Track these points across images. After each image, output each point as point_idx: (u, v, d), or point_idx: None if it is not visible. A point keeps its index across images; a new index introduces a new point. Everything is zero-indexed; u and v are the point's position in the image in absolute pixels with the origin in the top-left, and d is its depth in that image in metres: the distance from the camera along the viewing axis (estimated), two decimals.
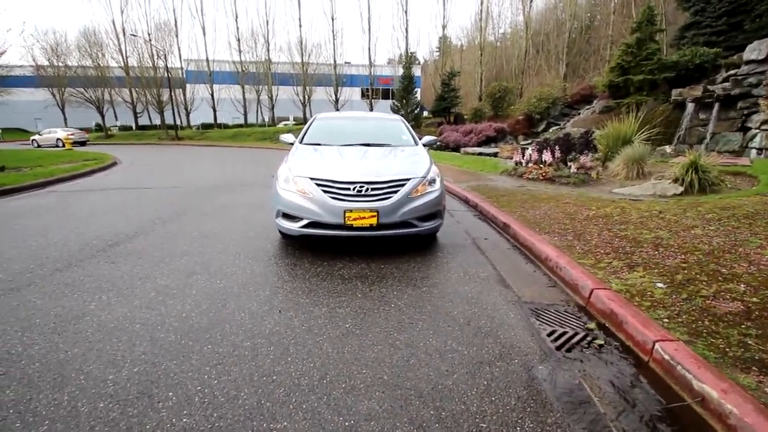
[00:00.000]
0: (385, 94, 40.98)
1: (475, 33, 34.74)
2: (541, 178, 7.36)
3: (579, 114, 22.57)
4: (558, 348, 2.32)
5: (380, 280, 3.19)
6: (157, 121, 34.63)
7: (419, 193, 3.73)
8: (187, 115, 35.67)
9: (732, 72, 14.04)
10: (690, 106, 13.63)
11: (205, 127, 35.05)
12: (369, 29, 31.67)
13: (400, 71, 27.69)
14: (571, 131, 11.17)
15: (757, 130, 10.89)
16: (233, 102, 34.47)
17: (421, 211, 3.72)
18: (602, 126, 18.28)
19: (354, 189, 3.55)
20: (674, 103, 14.70)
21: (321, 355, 2.13)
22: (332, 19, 31.94)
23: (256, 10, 45.68)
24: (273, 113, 34.50)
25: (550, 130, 21.50)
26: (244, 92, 34.40)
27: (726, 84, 13.57)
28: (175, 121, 31.00)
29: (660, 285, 2.77)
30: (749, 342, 2.07)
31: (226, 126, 35.55)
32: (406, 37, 29.79)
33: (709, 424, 1.73)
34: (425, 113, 29.80)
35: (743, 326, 2.20)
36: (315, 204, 3.55)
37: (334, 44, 31.79)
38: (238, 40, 33.39)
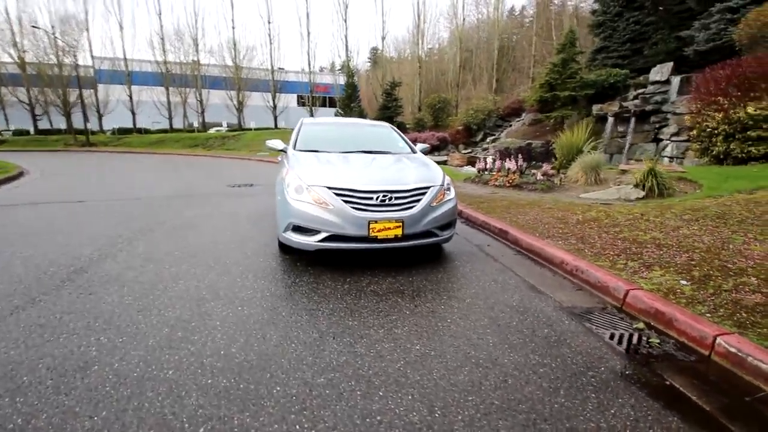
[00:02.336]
0: (323, 102, 40.46)
1: (413, 46, 36.10)
2: (508, 185, 7.70)
3: (511, 125, 24.34)
4: (627, 350, 2.36)
5: (418, 294, 3.02)
6: (61, 125, 30.29)
7: (439, 201, 3.64)
8: (100, 118, 31.77)
9: (640, 91, 16.17)
10: (610, 120, 15.40)
11: (122, 132, 31.49)
12: (308, 35, 31.05)
13: (341, 80, 27.57)
14: (532, 142, 11.96)
15: (668, 141, 12.63)
16: (156, 105, 31.46)
17: (442, 220, 3.62)
18: (536, 136, 19.78)
19: (377, 198, 3.35)
20: (597, 117, 16.50)
21: (413, 385, 1.91)
22: (268, 23, 30.79)
23: (183, 7, 42.27)
24: (203, 118, 32.13)
25: (488, 140, 22.91)
26: (168, 95, 31.59)
27: (636, 101, 15.59)
28: (85, 125, 27.37)
29: (684, 282, 2.98)
30: None
31: (147, 131, 32.28)
32: (346, 46, 29.89)
33: None
34: None
35: None
36: (335, 215, 3.28)
37: (270, 48, 30.65)
38: (162, 38, 30.68)
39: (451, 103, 27.32)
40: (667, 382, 2.03)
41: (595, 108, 16.99)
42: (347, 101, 23.71)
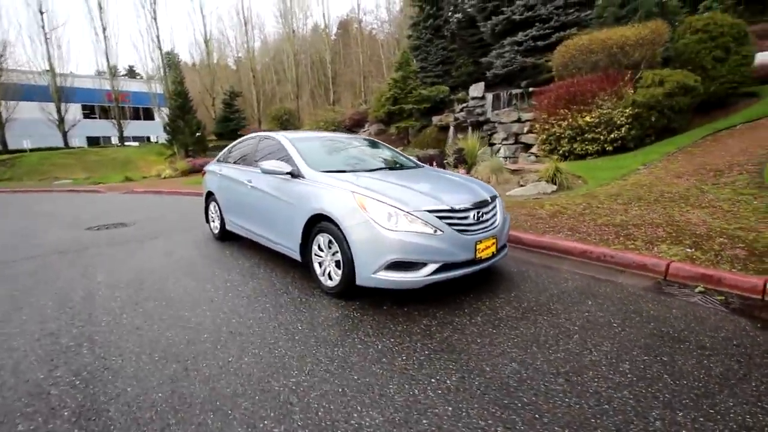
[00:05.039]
0: (128, 114, 33.24)
1: (222, 51, 33.47)
2: None
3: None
4: (727, 309, 2.94)
5: (546, 311, 2.98)
6: None
7: (505, 211, 3.64)
8: None
9: (464, 105, 19.62)
10: (452, 129, 18.15)
11: None
12: (104, 30, 24.74)
13: (158, 88, 23.31)
14: (444, 150, 12.91)
15: (500, 145, 15.76)
16: None
17: (508, 229, 3.63)
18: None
19: (474, 216, 3.11)
20: (439, 127, 19.16)
21: (683, 407, 1.91)
22: (40, 12, 23.12)
23: None
24: None
25: None
26: None
27: (462, 113, 18.90)
28: None
29: (689, 250, 3.88)
30: None
31: None
32: (160, 47, 25.22)
33: None
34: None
35: None
36: (446, 242, 2.89)
37: (47, 45, 23.07)
38: None
39: (295, 114, 26.85)
40: None
41: (435, 119, 19.73)
42: (179, 112, 20.13)
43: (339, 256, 3.07)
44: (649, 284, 3.46)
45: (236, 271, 4.01)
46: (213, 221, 5.51)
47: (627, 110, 8.48)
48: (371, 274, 2.87)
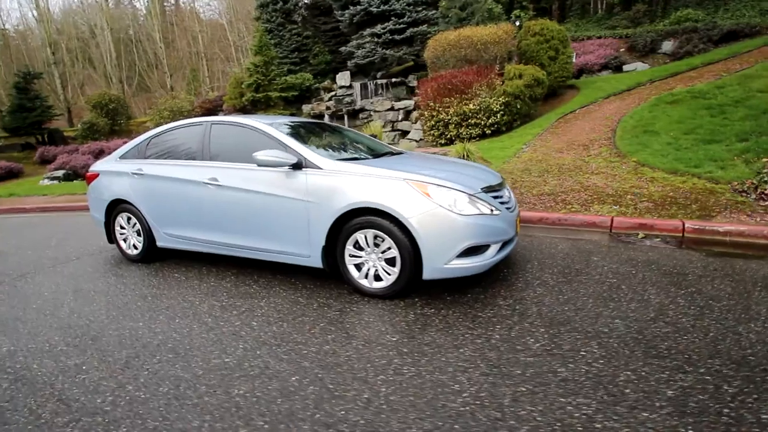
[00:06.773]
0: None
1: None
2: None
3: None
4: (674, 246, 3.85)
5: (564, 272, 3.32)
6: None
7: None
8: None
9: (333, 93, 19.57)
10: (327, 117, 17.87)
11: None
12: None
13: None
14: None
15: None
16: None
17: None
18: None
19: (506, 195, 3.22)
20: (312, 115, 18.60)
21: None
22: None
23: None
24: None
25: None
26: None
27: (332, 102, 18.91)
28: None
29: (615, 207, 4.88)
30: (692, 211, 4.47)
31: None
32: None
33: (737, 242, 3.90)
34: None
35: (672, 209, 4.62)
36: (502, 221, 2.95)
37: None
38: None
39: (123, 101, 22.06)
40: (714, 249, 3.65)
41: (307, 108, 19.08)
42: None
43: (393, 253, 2.75)
44: (607, 237, 4.23)
45: (223, 294, 3.14)
46: (127, 239, 4.13)
47: (500, 99, 9.92)
48: (444, 264, 2.68)
